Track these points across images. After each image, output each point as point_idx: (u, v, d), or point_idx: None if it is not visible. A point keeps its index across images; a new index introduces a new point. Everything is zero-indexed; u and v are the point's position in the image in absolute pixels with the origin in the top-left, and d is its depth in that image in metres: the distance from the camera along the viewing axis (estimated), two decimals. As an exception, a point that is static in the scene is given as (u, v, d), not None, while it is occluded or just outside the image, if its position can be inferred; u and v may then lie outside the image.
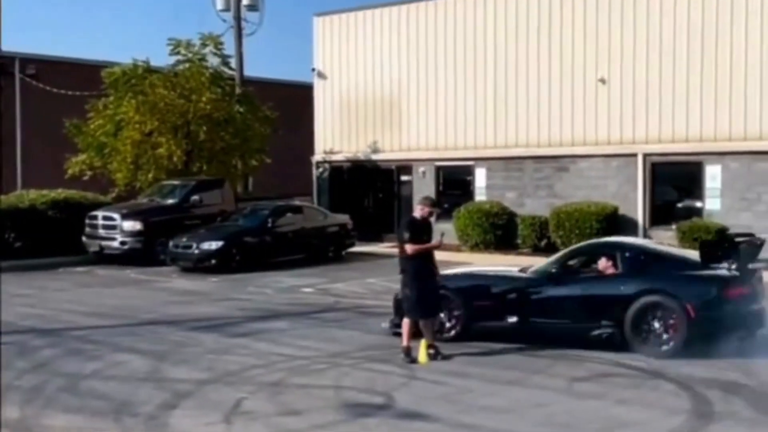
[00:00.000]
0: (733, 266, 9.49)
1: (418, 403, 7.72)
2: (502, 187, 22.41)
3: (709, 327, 9.29)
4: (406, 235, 9.36)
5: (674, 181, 20.64)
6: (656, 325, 9.45)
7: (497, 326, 10.15)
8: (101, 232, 19.66)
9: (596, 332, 9.63)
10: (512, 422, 7.14)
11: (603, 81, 20.74)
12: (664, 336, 9.42)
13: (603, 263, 10.13)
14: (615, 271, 10.00)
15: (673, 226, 19.26)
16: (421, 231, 9.47)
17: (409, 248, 9.31)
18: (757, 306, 9.61)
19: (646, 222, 20.24)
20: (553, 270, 10.24)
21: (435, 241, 9.48)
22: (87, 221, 19.90)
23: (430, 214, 9.65)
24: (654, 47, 20.07)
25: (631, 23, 20.39)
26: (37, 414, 7.47)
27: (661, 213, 20.23)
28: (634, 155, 20.31)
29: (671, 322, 9.36)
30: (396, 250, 10.02)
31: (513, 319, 10.06)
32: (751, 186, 18.97)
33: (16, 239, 19.77)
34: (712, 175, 19.44)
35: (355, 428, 7.01)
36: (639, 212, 20.24)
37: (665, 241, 19.50)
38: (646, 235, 20.08)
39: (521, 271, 10.80)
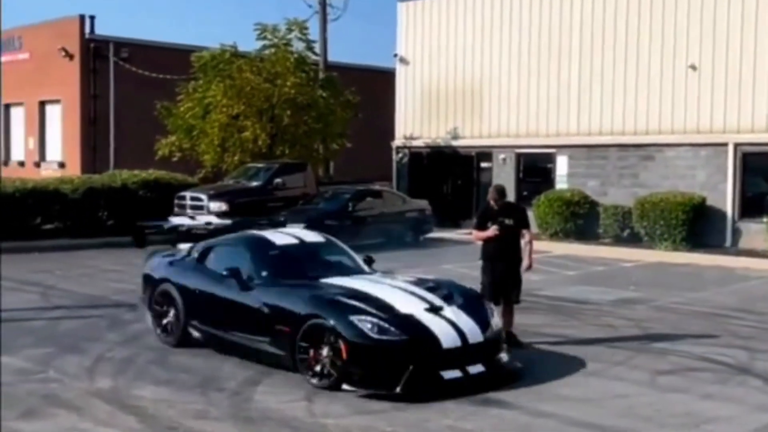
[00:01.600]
0: None
1: (495, 389, 7.73)
2: (585, 175, 22.03)
3: None
4: (474, 222, 9.97)
5: (767, 173, 19.88)
6: None
7: None
8: (189, 212, 20.24)
9: None
10: (592, 412, 7.08)
11: (694, 67, 20.10)
12: None
13: None
14: None
15: (765, 219, 18.59)
16: (492, 217, 9.49)
17: (473, 234, 9.92)
18: None
19: (735, 214, 19.57)
20: None
21: (491, 230, 9.42)
22: (175, 201, 20.50)
23: (495, 202, 9.60)
24: (749, 32, 19.32)
25: (725, 6, 19.67)
26: (128, 385, 7.81)
27: (751, 205, 19.52)
28: (725, 145, 19.64)
29: None
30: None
31: None
32: None
33: (109, 217, 20.56)
34: (808, 167, 18.66)
35: (432, 411, 7.07)
36: (728, 204, 19.59)
37: (754, 235, 18.92)
38: (734, 228, 19.47)
39: None
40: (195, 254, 9.77)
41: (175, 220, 11.98)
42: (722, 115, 19.77)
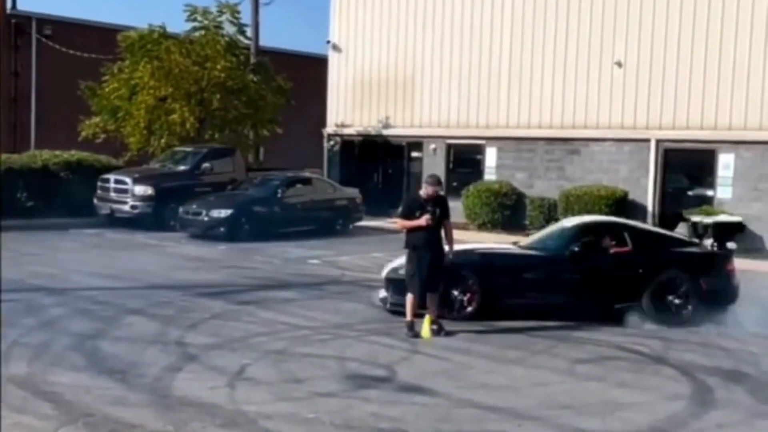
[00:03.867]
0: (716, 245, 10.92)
1: (418, 377, 7.80)
2: (513, 167, 22.38)
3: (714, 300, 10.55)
4: (399, 210, 9.91)
5: (686, 169, 20.56)
6: (674, 299, 10.52)
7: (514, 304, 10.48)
8: (113, 195, 19.77)
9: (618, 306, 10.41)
10: (512, 400, 7.20)
11: (619, 64, 20.61)
12: (684, 308, 10.52)
13: (607, 241, 10.83)
14: (623, 249, 10.72)
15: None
16: (418, 208, 9.52)
17: (398, 223, 9.87)
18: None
19: (656, 208, 20.19)
20: (576, 249, 10.60)
21: (423, 219, 9.45)
22: (99, 184, 20.00)
23: (434, 191, 9.65)
24: (672, 32, 19.91)
25: (651, 7, 20.20)
26: (43, 371, 7.58)
27: (671, 200, 20.17)
28: (647, 141, 20.23)
29: (688, 294, 10.48)
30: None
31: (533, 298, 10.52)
32: (763, 176, 18.87)
33: (28, 198, 19.92)
34: (725, 164, 19.36)
35: (355, 399, 7.09)
36: (649, 198, 20.20)
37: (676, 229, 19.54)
38: (655, 222, 20.07)
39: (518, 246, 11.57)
40: None
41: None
42: (645, 112, 20.34)
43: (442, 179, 22.13)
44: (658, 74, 20.10)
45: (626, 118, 20.63)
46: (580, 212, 19.69)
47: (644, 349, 9.26)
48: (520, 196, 21.58)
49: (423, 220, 9.40)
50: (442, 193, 10.18)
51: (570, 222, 11.84)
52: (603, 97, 20.94)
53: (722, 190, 19.41)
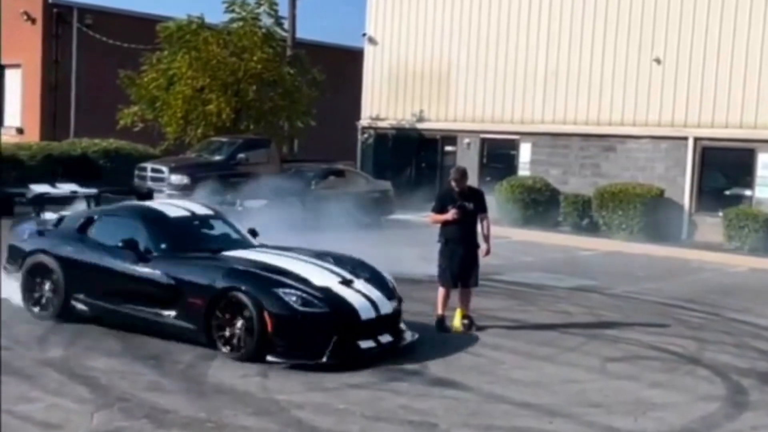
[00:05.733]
0: None
1: (449, 371, 7.82)
2: (547, 163, 22.23)
3: None
4: (433, 205, 9.68)
5: (724, 168, 20.25)
6: None
7: None
8: (149, 184, 19.97)
9: None
10: (542, 397, 7.19)
11: (658, 61, 20.35)
12: None
13: None
14: None
15: (720, 213, 18.96)
16: (452, 200, 9.48)
17: (430, 217, 9.69)
18: None
19: (692, 207, 19.93)
20: None
21: (450, 213, 9.39)
22: (136, 172, 20.24)
23: (456, 183, 9.55)
24: (713, 29, 19.60)
25: (692, 2, 19.91)
26: (79, 355, 7.74)
27: (708, 199, 19.89)
28: (685, 139, 19.96)
29: None
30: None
31: None
32: (803, 177, 18.56)
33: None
34: (764, 164, 19.03)
35: (386, 391, 7.13)
36: (685, 197, 19.93)
37: (710, 228, 19.29)
38: (691, 221, 19.85)
39: None
40: (72, 224, 9.42)
41: (38, 189, 11.38)
42: (684, 110, 20.06)
43: (476, 174, 22.39)
44: (697, 71, 19.81)
45: (664, 116, 20.37)
46: (614, 210, 19.58)
47: (678, 348, 9.17)
48: (553, 193, 21.43)
49: (450, 215, 9.38)
50: (471, 185, 10.11)
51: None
52: (640, 93, 20.69)
53: (761, 190, 19.08)
